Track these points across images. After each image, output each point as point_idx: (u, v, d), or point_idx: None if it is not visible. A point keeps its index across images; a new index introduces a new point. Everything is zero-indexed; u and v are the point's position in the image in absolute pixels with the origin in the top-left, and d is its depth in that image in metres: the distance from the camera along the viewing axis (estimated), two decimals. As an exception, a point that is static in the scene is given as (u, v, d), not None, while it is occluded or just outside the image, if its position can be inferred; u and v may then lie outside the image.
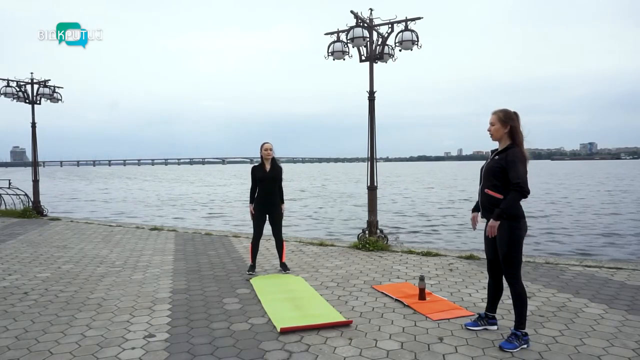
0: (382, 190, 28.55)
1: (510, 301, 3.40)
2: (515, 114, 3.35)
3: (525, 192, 3.17)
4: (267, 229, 5.75)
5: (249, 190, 5.68)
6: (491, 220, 3.30)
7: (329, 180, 46.66)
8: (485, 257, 3.65)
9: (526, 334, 3.31)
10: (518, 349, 3.23)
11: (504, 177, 3.26)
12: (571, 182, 36.57)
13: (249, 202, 5.75)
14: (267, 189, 5.55)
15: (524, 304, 3.32)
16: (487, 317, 3.68)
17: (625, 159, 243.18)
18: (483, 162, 3.60)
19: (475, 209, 3.65)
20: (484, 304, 3.92)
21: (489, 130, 3.42)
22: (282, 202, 5.72)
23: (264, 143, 5.59)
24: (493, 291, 3.65)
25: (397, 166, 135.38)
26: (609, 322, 3.78)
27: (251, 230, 5.75)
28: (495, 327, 3.65)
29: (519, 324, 3.31)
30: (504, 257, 3.32)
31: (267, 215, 5.65)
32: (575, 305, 4.23)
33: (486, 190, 3.38)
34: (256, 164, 5.69)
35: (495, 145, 3.46)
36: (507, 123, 3.33)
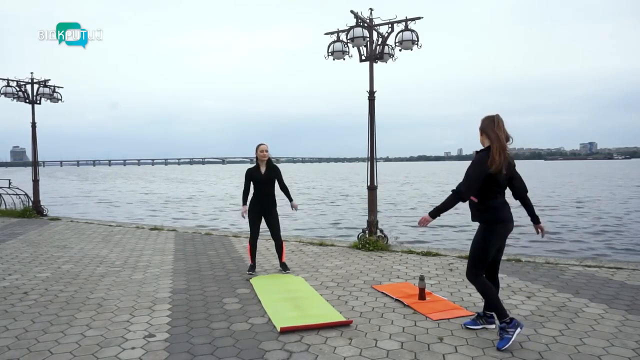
0: (402, 191, 28.36)
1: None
2: (491, 118, 3.35)
3: (462, 198, 3.27)
4: (267, 229, 5.75)
5: (242, 192, 5.67)
6: (426, 214, 3.41)
7: (345, 181, 43.85)
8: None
9: (511, 320, 3.30)
10: (513, 339, 3.23)
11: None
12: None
13: (241, 203, 5.73)
14: (262, 191, 5.51)
15: (493, 296, 3.37)
16: (486, 316, 3.69)
17: (618, 158, 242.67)
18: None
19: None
20: (483, 304, 3.93)
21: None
22: (291, 200, 5.70)
23: (260, 144, 5.52)
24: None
25: (398, 166, 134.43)
26: (609, 322, 3.78)
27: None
28: (494, 326, 3.65)
29: (499, 316, 3.34)
30: (470, 253, 3.44)
31: (263, 217, 5.63)
32: (575, 305, 4.23)
33: None
34: (251, 166, 5.65)
35: None
36: (483, 131, 3.38)
